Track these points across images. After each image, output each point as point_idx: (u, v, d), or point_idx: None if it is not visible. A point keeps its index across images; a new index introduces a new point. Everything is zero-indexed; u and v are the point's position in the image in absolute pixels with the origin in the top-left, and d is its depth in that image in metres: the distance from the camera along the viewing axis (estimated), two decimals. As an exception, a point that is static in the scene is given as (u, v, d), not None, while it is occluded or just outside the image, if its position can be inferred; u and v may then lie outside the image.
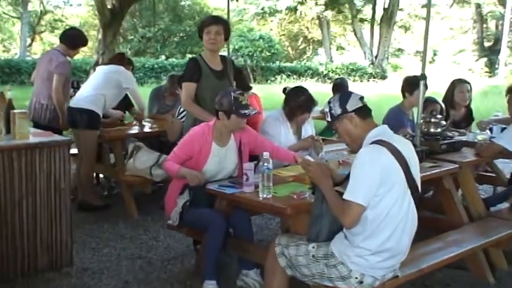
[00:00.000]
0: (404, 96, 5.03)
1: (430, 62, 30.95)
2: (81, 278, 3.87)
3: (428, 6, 4.53)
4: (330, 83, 10.25)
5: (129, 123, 6.04)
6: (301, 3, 30.09)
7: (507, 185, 4.96)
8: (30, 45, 27.90)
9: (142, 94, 5.88)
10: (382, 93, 17.08)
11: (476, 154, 4.33)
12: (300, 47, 36.71)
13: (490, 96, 16.09)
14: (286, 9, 31.17)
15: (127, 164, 5.18)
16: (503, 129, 4.73)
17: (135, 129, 5.80)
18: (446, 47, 34.68)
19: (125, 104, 5.95)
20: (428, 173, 3.73)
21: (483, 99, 14.27)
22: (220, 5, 27.96)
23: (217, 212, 3.56)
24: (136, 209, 5.35)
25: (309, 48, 36.64)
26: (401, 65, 32.78)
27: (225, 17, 5.89)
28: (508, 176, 5.13)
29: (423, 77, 4.23)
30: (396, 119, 4.82)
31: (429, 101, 4.88)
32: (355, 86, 15.91)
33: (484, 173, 5.42)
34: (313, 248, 2.85)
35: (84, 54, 24.59)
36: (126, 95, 5.83)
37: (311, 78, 25.63)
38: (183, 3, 33.19)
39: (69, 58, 5.52)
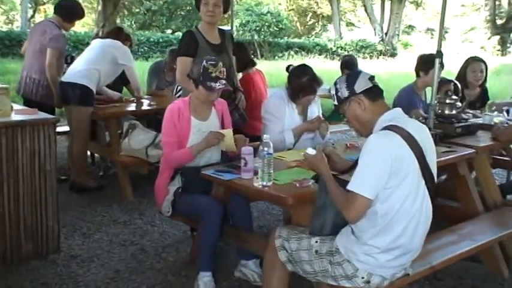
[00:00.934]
0: (418, 75, 4.77)
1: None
2: (68, 267, 3.62)
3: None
4: (339, 60, 9.93)
5: (126, 99, 5.73)
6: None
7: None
8: (32, 16, 27.40)
9: (147, 69, 5.56)
10: (392, 71, 16.73)
11: (492, 138, 4.09)
12: (309, 23, 36.10)
13: (502, 76, 15.73)
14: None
15: (122, 144, 4.92)
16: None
17: (132, 106, 5.54)
18: (458, 25, 34.11)
19: (122, 79, 5.62)
20: (442, 158, 3.47)
21: (495, 79, 13.91)
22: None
23: (213, 198, 3.31)
24: (132, 190, 5.10)
25: (318, 24, 36.04)
26: (412, 43, 32.23)
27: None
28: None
29: (439, 54, 3.95)
30: (408, 100, 4.58)
31: (443, 81, 4.59)
32: (364, 64, 15.55)
33: (498, 157, 5.14)
34: (317, 242, 2.59)
35: (88, 26, 24.24)
36: (124, 71, 5.48)
37: (319, 55, 25.11)
38: (190, -25, 32.62)
39: (64, 31, 5.22)
